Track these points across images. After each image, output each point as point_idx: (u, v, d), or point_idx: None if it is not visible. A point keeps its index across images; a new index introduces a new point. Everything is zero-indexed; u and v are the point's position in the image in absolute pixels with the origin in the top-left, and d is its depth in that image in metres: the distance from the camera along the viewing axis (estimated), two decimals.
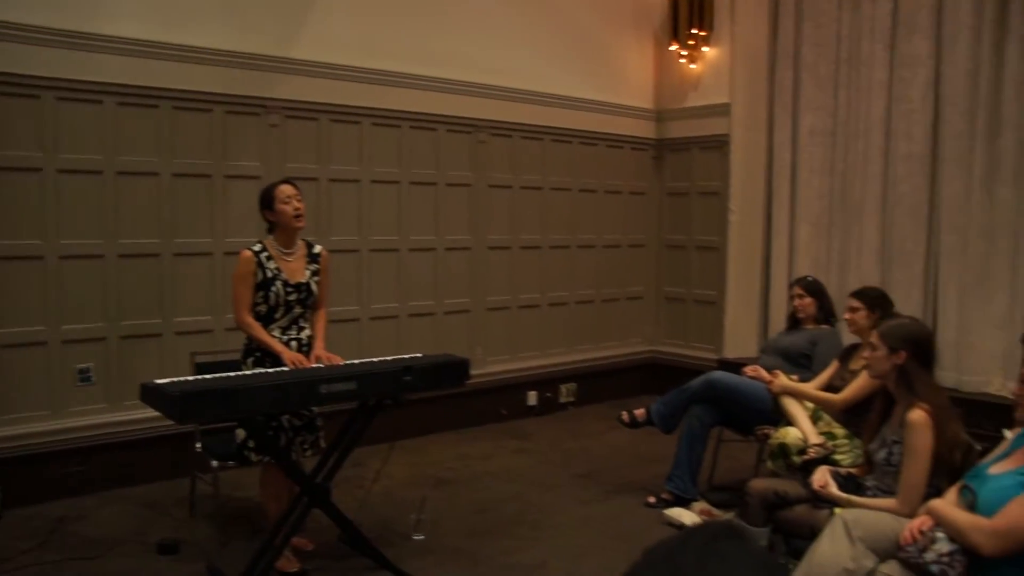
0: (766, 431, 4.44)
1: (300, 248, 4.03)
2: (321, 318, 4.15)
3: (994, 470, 2.59)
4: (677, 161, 7.77)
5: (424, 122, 6.22)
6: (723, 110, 7.24)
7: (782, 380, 4.49)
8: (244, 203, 5.31)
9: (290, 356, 3.82)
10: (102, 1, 4.81)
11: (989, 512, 2.43)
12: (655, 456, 5.52)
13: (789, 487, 3.42)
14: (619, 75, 7.54)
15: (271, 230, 3.99)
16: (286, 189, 3.95)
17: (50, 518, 4.50)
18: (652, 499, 4.89)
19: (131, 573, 3.90)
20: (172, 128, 5.14)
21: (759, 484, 3.47)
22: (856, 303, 4.36)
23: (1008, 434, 2.82)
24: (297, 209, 3.93)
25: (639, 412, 5.04)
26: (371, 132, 5.97)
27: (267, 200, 3.95)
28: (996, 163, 5.81)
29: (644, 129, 7.76)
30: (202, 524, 4.50)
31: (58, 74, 4.70)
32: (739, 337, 7.24)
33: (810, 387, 4.45)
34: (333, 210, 5.80)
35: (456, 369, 4.05)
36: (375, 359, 4.02)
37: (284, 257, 3.96)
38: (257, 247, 3.93)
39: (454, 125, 6.39)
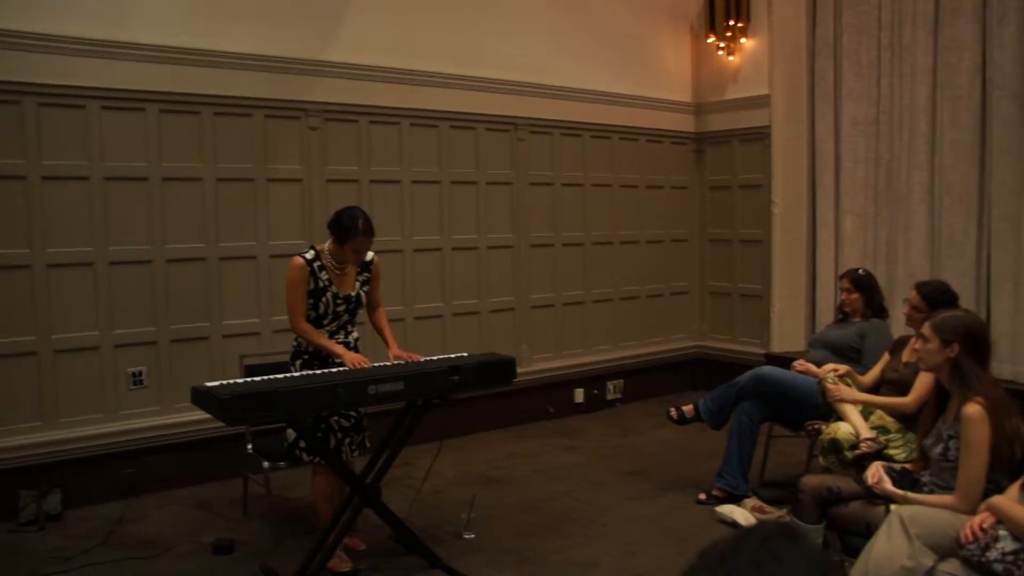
0: (817, 426, 4.38)
1: None
2: (383, 318, 4.23)
3: None
4: (718, 154, 7.71)
5: (463, 121, 6.24)
6: (763, 102, 7.17)
7: (842, 390, 4.26)
8: (286, 206, 5.43)
9: (351, 358, 3.86)
10: (135, 11, 4.89)
11: None
12: (705, 452, 5.49)
13: (842, 483, 3.37)
14: (657, 69, 7.49)
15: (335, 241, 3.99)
16: (365, 242, 3.94)
17: (109, 519, 4.59)
18: (703, 496, 4.86)
19: (187, 573, 3.96)
20: (214, 133, 5.21)
21: (812, 480, 3.42)
22: (914, 297, 4.29)
23: None
24: (359, 260, 4.02)
25: (687, 408, 5.02)
26: (410, 132, 6.00)
27: (343, 232, 3.89)
28: None
29: (684, 123, 7.70)
30: (255, 524, 4.56)
31: (100, 84, 4.79)
32: (786, 331, 7.17)
33: (866, 393, 4.29)
34: (375, 211, 5.75)
35: (503, 368, 4.06)
36: (422, 359, 4.04)
37: (336, 270, 4.00)
38: (310, 255, 3.97)
39: (493, 124, 6.40)
